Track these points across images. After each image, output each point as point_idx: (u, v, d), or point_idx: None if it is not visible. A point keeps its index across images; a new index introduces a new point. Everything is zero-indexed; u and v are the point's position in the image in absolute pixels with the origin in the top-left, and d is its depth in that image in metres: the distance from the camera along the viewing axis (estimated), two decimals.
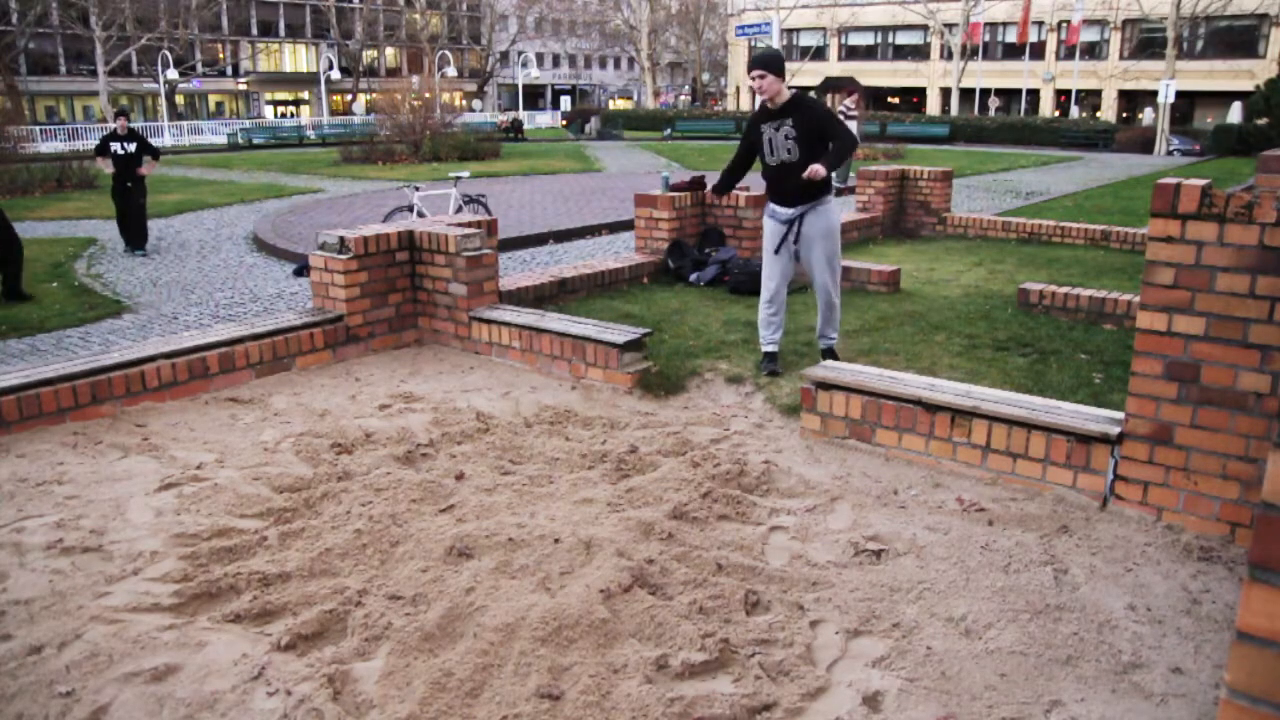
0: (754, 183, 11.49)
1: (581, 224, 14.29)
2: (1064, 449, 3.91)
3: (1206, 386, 3.49)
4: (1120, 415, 3.82)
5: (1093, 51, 48.49)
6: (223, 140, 41.57)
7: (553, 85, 78.82)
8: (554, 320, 5.81)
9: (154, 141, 42.70)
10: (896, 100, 54.90)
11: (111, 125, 14.34)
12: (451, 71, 45.45)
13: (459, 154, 27.47)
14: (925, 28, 52.22)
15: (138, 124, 45.03)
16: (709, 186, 6.04)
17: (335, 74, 51.72)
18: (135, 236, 12.63)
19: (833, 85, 46.49)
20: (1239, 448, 3.46)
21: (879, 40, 56.48)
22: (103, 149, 12.66)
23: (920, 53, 54.35)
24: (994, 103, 47.61)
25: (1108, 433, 3.77)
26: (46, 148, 33.83)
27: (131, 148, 12.64)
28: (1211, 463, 3.53)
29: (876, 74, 53.91)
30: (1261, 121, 33.47)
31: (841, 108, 19.94)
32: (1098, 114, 47.51)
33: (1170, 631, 2.98)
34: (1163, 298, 3.53)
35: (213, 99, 64.79)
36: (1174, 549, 3.51)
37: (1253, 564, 1.20)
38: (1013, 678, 2.74)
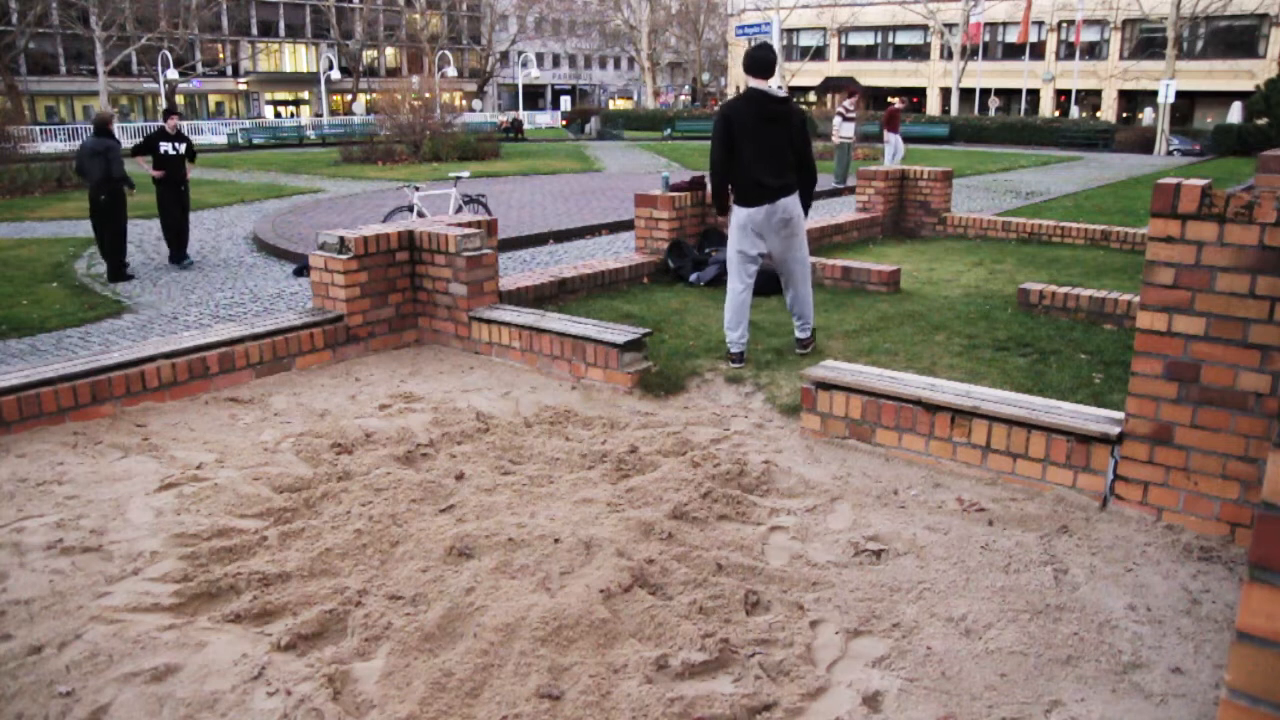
0: None
1: (581, 224, 14.30)
2: (1064, 449, 3.91)
3: (1206, 386, 3.49)
4: (1120, 415, 3.82)
5: (1093, 51, 48.50)
6: (223, 140, 41.61)
7: (553, 85, 78.85)
8: (554, 320, 5.81)
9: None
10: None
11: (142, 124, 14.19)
12: (451, 71, 45.45)
13: (459, 154, 27.48)
14: (925, 28, 52.24)
15: (137, 124, 45.13)
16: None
17: (335, 74, 51.73)
18: (183, 244, 12.12)
19: (833, 85, 46.44)
20: (1239, 448, 3.46)
21: (879, 40, 56.49)
22: (147, 148, 11.91)
23: (920, 53, 54.37)
24: (994, 103, 47.62)
25: (1108, 433, 3.77)
26: (46, 148, 33.82)
27: (181, 148, 12.01)
28: (1211, 463, 3.53)
29: (876, 74, 53.89)
30: (1261, 121, 33.50)
31: (840, 108, 19.97)
32: (1098, 114, 47.52)
33: (1170, 631, 2.98)
34: (1163, 298, 3.53)
35: (213, 99, 64.82)
36: (1174, 549, 3.51)
37: (1252, 564, 1.20)
38: (1013, 678, 2.74)
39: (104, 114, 12.17)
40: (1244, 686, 1.24)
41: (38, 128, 39.31)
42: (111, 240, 10.95)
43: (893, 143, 21.13)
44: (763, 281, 7.57)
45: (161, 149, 11.88)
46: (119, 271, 10.95)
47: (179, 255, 12.04)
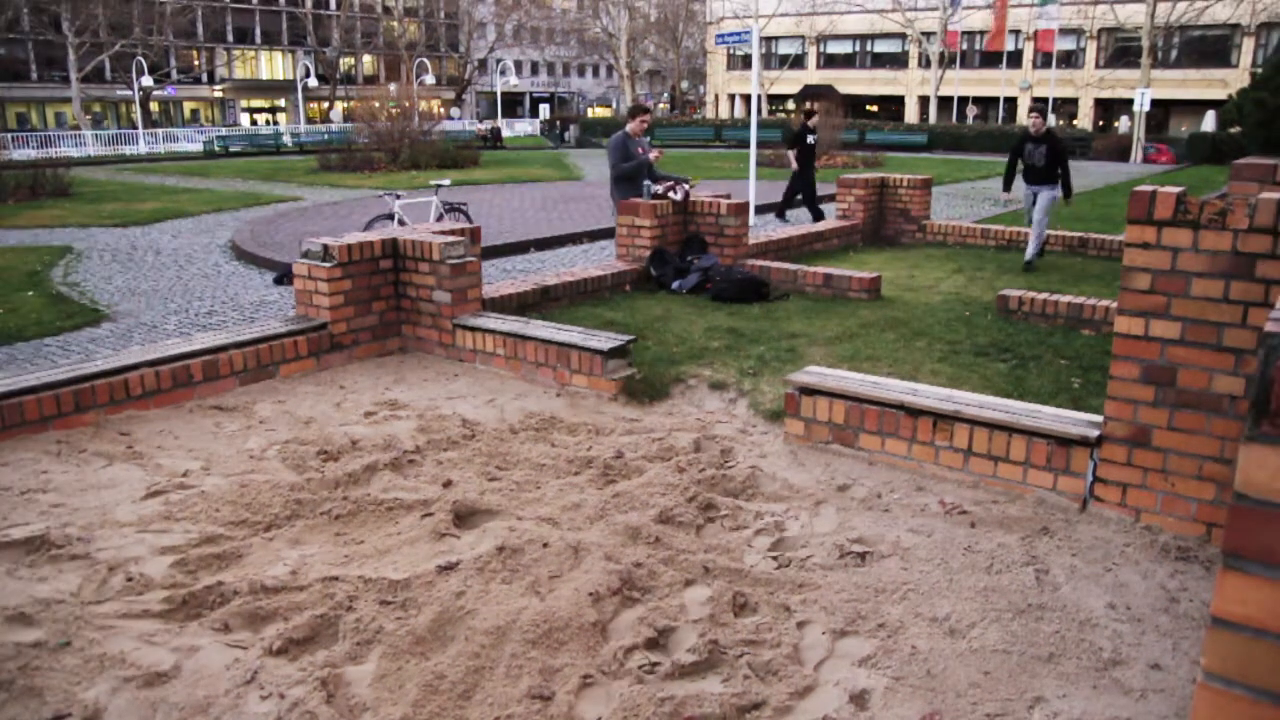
0: (735, 190, 11.53)
1: (563, 232, 14.31)
2: (1044, 452, 3.97)
3: (1183, 389, 3.56)
4: (1099, 419, 3.89)
5: (1069, 60, 49.03)
6: (199, 147, 41.24)
7: (531, 93, 78.76)
8: (538, 327, 5.84)
9: (128, 150, 41.55)
10: (875, 108, 55.26)
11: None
12: (430, 79, 45.39)
13: (438, 162, 27.38)
14: (903, 36, 52.63)
15: (110, 130, 44.74)
16: None
17: (312, 81, 51.44)
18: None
19: (811, 94, 46.67)
20: (1214, 449, 3.53)
21: (857, 48, 56.84)
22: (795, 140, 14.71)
23: (898, 61, 54.76)
24: (972, 111, 48.03)
25: (1087, 436, 3.84)
26: (19, 155, 33.43)
27: (812, 140, 14.82)
28: (1188, 464, 3.60)
29: (855, 82, 54.26)
30: (1234, 130, 33.93)
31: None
32: (1074, 122, 48.02)
33: (1149, 629, 3.05)
34: (1140, 303, 3.60)
35: (188, 106, 64.28)
36: (1152, 549, 3.58)
37: (1226, 552, 1.26)
38: (996, 675, 2.79)
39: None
40: (1219, 670, 1.29)
41: (9, 135, 38.88)
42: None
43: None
44: (743, 289, 7.64)
45: (808, 140, 14.38)
46: None
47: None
